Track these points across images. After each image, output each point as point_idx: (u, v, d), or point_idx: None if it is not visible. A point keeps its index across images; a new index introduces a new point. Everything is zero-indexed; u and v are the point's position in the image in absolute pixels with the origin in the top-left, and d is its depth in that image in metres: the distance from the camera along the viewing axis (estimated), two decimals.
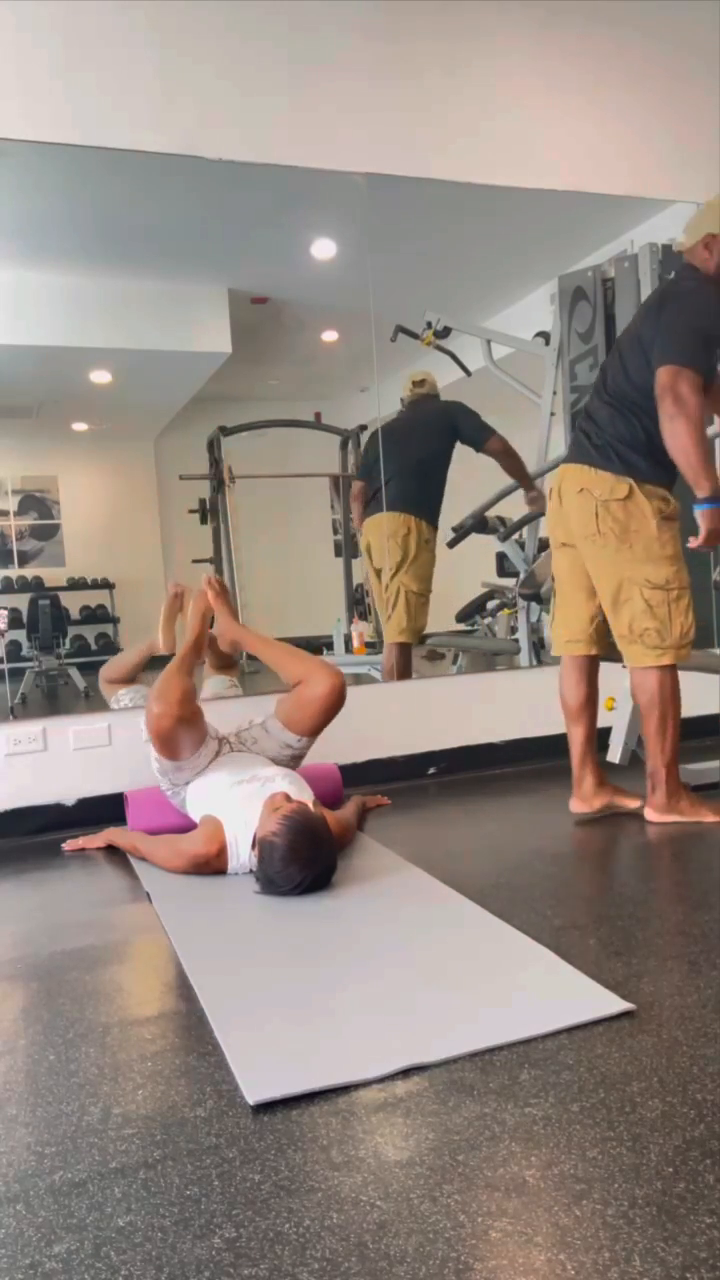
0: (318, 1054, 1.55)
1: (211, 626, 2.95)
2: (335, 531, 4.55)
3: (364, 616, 4.49)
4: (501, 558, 4.47)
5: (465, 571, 4.50)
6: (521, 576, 4.14)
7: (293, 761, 2.87)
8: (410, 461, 3.88)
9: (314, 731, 2.81)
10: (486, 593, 4.53)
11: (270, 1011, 1.72)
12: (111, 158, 3.14)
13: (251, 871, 2.41)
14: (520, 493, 4.27)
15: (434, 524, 3.87)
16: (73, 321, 3.72)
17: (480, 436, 3.87)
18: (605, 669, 3.22)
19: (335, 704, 2.75)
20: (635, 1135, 1.29)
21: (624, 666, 2.97)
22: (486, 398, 4.58)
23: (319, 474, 4.41)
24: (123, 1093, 1.49)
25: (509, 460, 3.85)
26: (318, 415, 4.39)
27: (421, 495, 3.88)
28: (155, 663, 3.45)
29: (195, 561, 4.20)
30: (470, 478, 4.26)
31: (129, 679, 3.35)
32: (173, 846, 2.57)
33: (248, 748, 2.82)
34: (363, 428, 4.28)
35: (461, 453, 4.22)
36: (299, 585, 4.48)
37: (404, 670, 3.90)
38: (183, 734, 2.62)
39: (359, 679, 4.05)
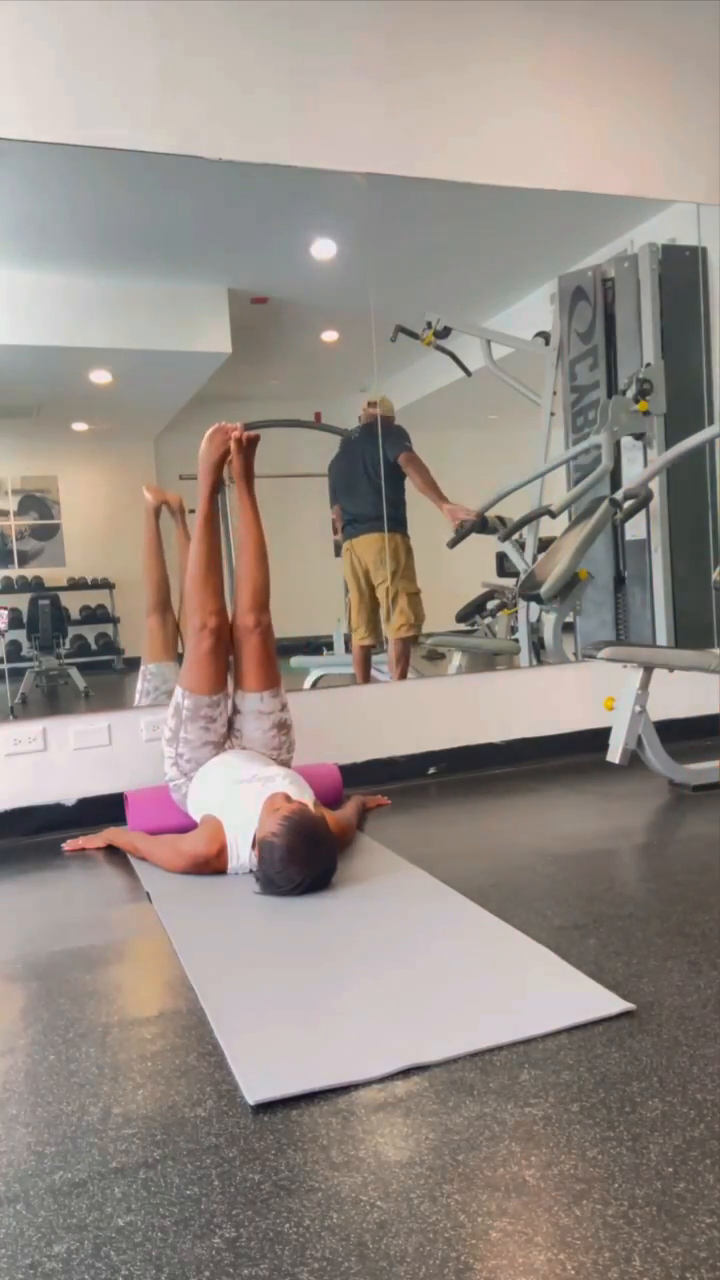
0: (318, 1054, 1.55)
1: (223, 471, 2.95)
2: (335, 531, 4.55)
3: None
4: (501, 558, 4.47)
5: (465, 571, 4.50)
6: (521, 577, 4.14)
7: (280, 733, 2.87)
8: (365, 485, 4.06)
9: (260, 680, 2.82)
10: (486, 593, 4.53)
11: (270, 1011, 1.72)
12: (112, 158, 3.13)
13: (251, 871, 2.41)
14: (520, 493, 4.27)
15: (406, 533, 4.06)
16: (73, 321, 3.72)
17: (392, 453, 4.02)
18: (605, 669, 3.22)
19: (255, 637, 2.82)
20: (635, 1135, 1.29)
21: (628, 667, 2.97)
22: (486, 398, 4.58)
23: (319, 474, 4.41)
24: (123, 1093, 1.49)
25: (416, 472, 4.01)
26: (318, 415, 4.39)
27: (381, 514, 4.04)
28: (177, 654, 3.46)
29: None
30: (471, 478, 4.27)
31: (162, 598, 3.49)
32: (173, 846, 2.58)
33: (244, 740, 2.84)
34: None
35: (461, 454, 4.22)
36: (299, 585, 4.48)
37: (409, 658, 4.05)
38: (220, 648, 2.75)
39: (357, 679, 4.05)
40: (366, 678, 4.03)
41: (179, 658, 3.29)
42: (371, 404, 4.07)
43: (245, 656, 2.84)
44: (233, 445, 2.90)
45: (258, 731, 2.84)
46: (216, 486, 2.93)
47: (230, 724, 2.86)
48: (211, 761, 2.75)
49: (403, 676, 3.99)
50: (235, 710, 2.87)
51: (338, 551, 4.57)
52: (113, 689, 3.97)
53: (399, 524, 4.03)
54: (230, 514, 4.24)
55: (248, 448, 2.93)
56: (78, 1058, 1.62)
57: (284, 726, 2.88)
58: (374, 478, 4.03)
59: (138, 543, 3.62)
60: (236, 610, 2.87)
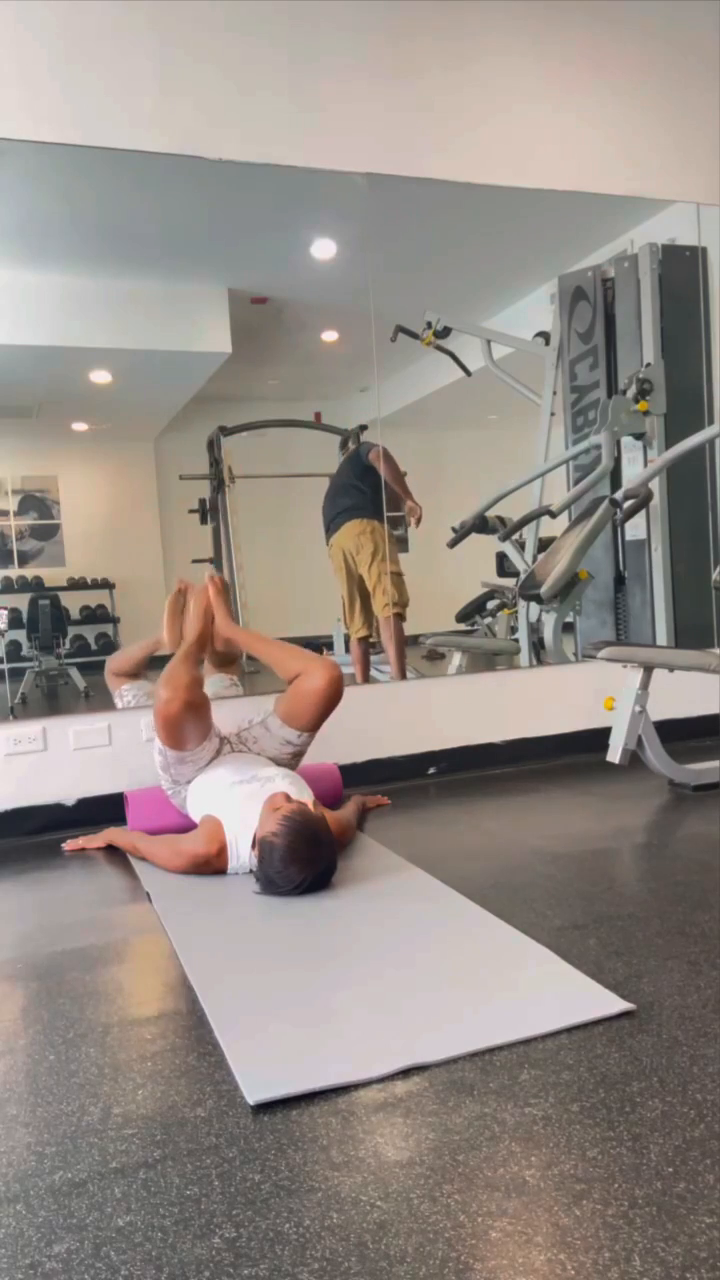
0: (318, 1054, 1.55)
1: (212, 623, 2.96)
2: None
3: None
4: (501, 558, 4.48)
5: (465, 571, 4.51)
6: (521, 577, 4.14)
7: (293, 759, 2.87)
8: (342, 486, 4.19)
9: (314, 726, 2.81)
10: (486, 593, 4.53)
11: (270, 1011, 1.72)
12: (112, 157, 3.14)
13: (251, 871, 2.41)
14: (520, 493, 4.27)
15: (383, 521, 4.11)
16: (73, 321, 3.72)
17: (364, 450, 4.16)
18: (605, 669, 3.22)
19: (333, 696, 2.75)
20: (635, 1135, 1.29)
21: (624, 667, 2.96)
22: (486, 398, 4.59)
23: (319, 474, 4.42)
24: (123, 1093, 1.49)
25: (386, 466, 4.08)
26: (318, 415, 4.39)
27: (365, 504, 4.11)
28: (158, 663, 3.45)
29: (195, 561, 4.20)
30: (471, 478, 4.27)
31: (134, 673, 3.35)
32: (173, 846, 2.57)
33: (249, 747, 2.83)
34: (363, 427, 4.28)
35: (461, 454, 4.22)
36: (299, 585, 4.48)
37: (403, 640, 4.09)
38: (189, 722, 2.63)
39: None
40: (366, 675, 4.04)
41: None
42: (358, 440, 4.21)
43: (305, 707, 2.77)
44: (210, 591, 2.90)
45: (274, 751, 2.83)
46: (206, 638, 2.91)
47: (221, 745, 2.81)
48: (208, 768, 2.74)
49: (400, 658, 4.02)
50: (264, 728, 2.85)
51: None
52: None
53: (375, 512, 4.08)
54: (230, 512, 4.26)
55: (221, 594, 2.92)
56: (78, 1058, 1.62)
57: (300, 756, 2.89)
58: (349, 478, 4.14)
59: (138, 543, 3.62)
60: (311, 684, 2.75)
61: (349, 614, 4.16)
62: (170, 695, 2.58)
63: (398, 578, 4.10)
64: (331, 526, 4.18)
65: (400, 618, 4.06)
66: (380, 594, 4.07)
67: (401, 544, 4.23)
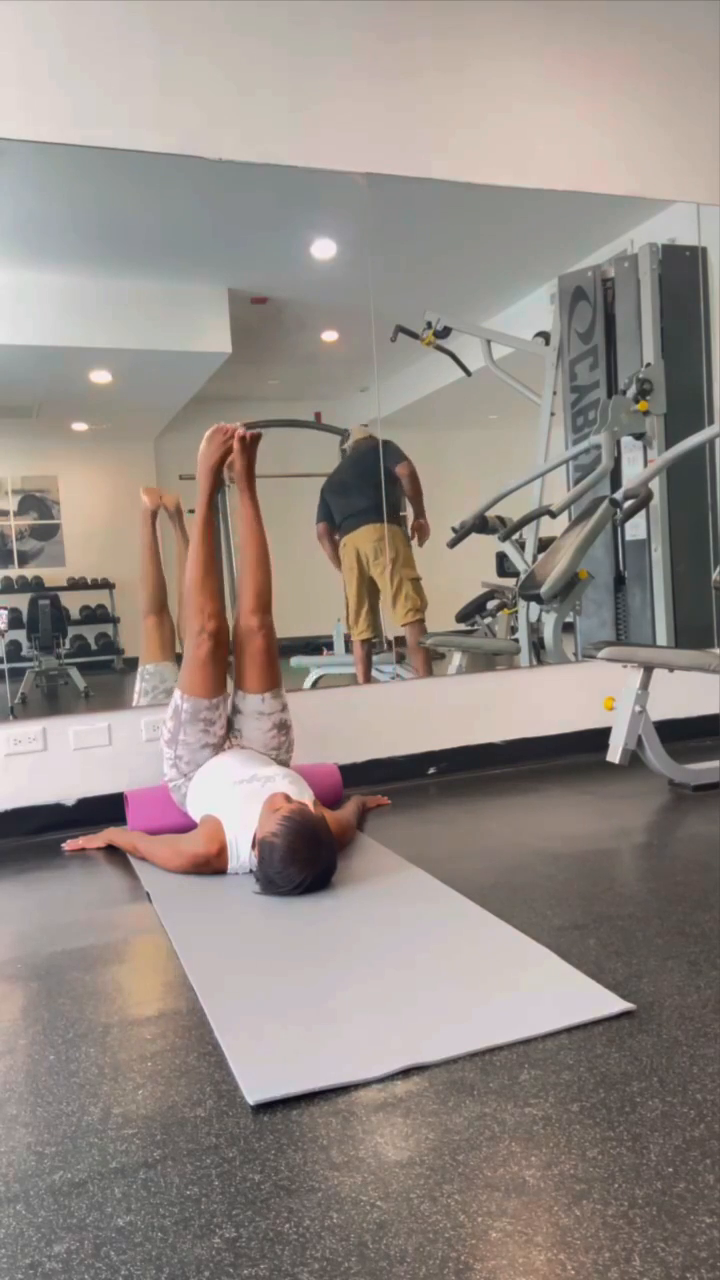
0: (318, 1054, 1.55)
1: (223, 472, 2.95)
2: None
3: None
4: (501, 558, 4.47)
5: (465, 571, 4.50)
6: (521, 577, 4.14)
7: (280, 734, 2.87)
8: (357, 485, 4.18)
9: (262, 682, 2.83)
10: (486, 593, 4.53)
11: (270, 1011, 1.72)
12: (112, 158, 3.13)
13: (251, 871, 2.42)
14: (520, 493, 4.27)
15: (401, 525, 4.18)
16: (73, 321, 3.72)
17: (391, 461, 4.15)
18: (605, 669, 3.22)
19: (258, 641, 2.82)
20: (635, 1135, 1.29)
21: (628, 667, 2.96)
22: (486, 398, 4.58)
23: (319, 474, 4.41)
24: (123, 1093, 1.49)
25: (410, 482, 4.15)
26: (318, 415, 4.39)
27: (379, 506, 4.12)
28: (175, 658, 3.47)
29: None
30: (471, 478, 4.27)
31: (160, 602, 3.49)
32: (173, 846, 2.58)
33: (244, 740, 2.84)
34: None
35: (461, 454, 4.22)
36: (299, 585, 4.48)
37: (425, 650, 4.16)
38: (216, 658, 2.74)
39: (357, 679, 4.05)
40: (368, 676, 4.04)
41: (177, 658, 3.28)
42: (365, 425, 4.16)
43: (247, 658, 2.84)
44: (235, 444, 2.89)
45: (257, 732, 2.84)
46: (215, 489, 2.93)
47: (230, 724, 2.86)
48: (211, 762, 2.75)
49: (426, 662, 4.07)
50: (235, 710, 2.87)
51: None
52: (113, 689, 3.96)
53: (394, 517, 4.12)
54: (230, 514, 4.25)
55: (250, 446, 2.92)
56: (78, 1058, 1.62)
57: (284, 727, 2.88)
58: (372, 478, 4.10)
59: (137, 543, 3.62)
60: (238, 612, 2.87)
61: (354, 615, 4.16)
62: (201, 624, 2.71)
63: (417, 583, 4.14)
64: (346, 525, 4.17)
65: (421, 623, 4.12)
66: (402, 600, 4.09)
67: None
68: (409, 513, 4.19)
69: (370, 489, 4.08)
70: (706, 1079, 1.42)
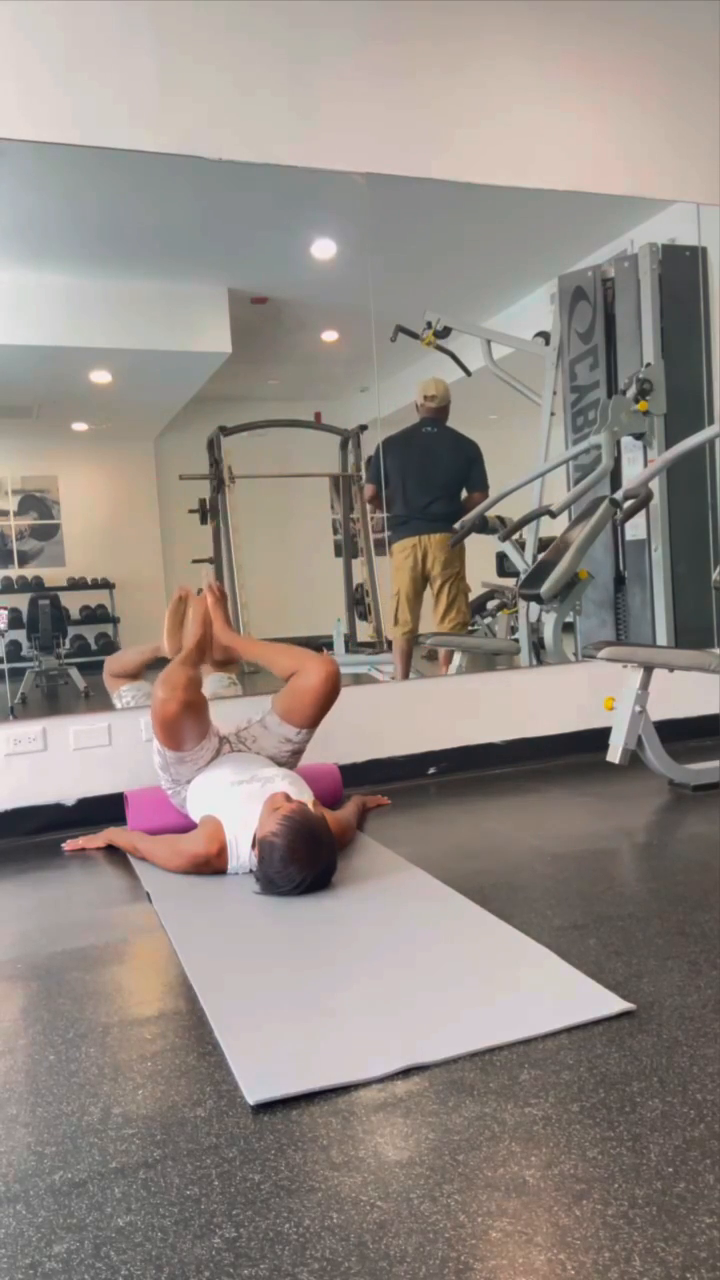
0: (318, 1054, 1.55)
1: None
2: (335, 531, 4.55)
3: (364, 617, 4.49)
4: (501, 558, 4.47)
5: (465, 571, 4.51)
6: (522, 577, 4.14)
7: (293, 757, 2.87)
8: (439, 484, 4.20)
9: (312, 722, 2.81)
10: (486, 593, 4.53)
11: (270, 1011, 1.72)
12: (112, 158, 3.14)
13: (251, 871, 2.41)
14: (521, 492, 4.27)
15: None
16: (73, 321, 3.72)
17: (478, 486, 4.23)
18: (605, 669, 3.22)
19: (330, 691, 2.76)
20: (635, 1135, 1.29)
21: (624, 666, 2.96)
22: (486, 398, 4.59)
23: (319, 474, 4.42)
24: (123, 1093, 1.49)
25: (471, 508, 4.23)
26: (318, 415, 4.39)
27: (455, 515, 4.22)
28: (157, 664, 3.45)
29: (195, 561, 4.20)
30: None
31: (133, 675, 3.36)
32: (173, 846, 2.57)
33: (248, 746, 2.83)
34: (363, 427, 4.28)
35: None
36: (299, 585, 4.48)
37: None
38: (188, 722, 2.63)
39: (358, 679, 4.05)
40: (409, 670, 4.10)
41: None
42: (430, 395, 4.12)
43: (303, 704, 2.77)
44: (210, 599, 2.90)
45: (272, 749, 2.83)
46: (205, 643, 2.91)
47: (220, 745, 2.81)
48: (208, 768, 2.74)
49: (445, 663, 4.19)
50: (262, 726, 2.85)
51: (338, 551, 4.57)
52: None
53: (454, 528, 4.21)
54: (232, 514, 4.25)
55: (220, 600, 2.93)
56: (78, 1058, 1.62)
57: (299, 754, 2.89)
58: (452, 484, 4.18)
59: (138, 543, 3.62)
60: (308, 680, 2.75)
61: (405, 610, 4.16)
62: (167, 695, 2.58)
63: (467, 595, 4.26)
64: (419, 524, 4.15)
65: (463, 626, 4.29)
66: (454, 613, 4.20)
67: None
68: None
69: (449, 494, 4.14)
70: (706, 1079, 1.42)
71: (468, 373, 4.32)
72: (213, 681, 3.28)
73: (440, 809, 3.25)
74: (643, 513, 3.96)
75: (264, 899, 2.30)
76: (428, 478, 4.15)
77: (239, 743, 2.83)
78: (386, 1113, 1.38)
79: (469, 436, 4.21)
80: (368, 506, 4.45)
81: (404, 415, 4.19)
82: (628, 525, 4.10)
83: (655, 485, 3.94)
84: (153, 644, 3.28)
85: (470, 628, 4.54)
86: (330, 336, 4.35)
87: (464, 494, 4.24)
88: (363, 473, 4.41)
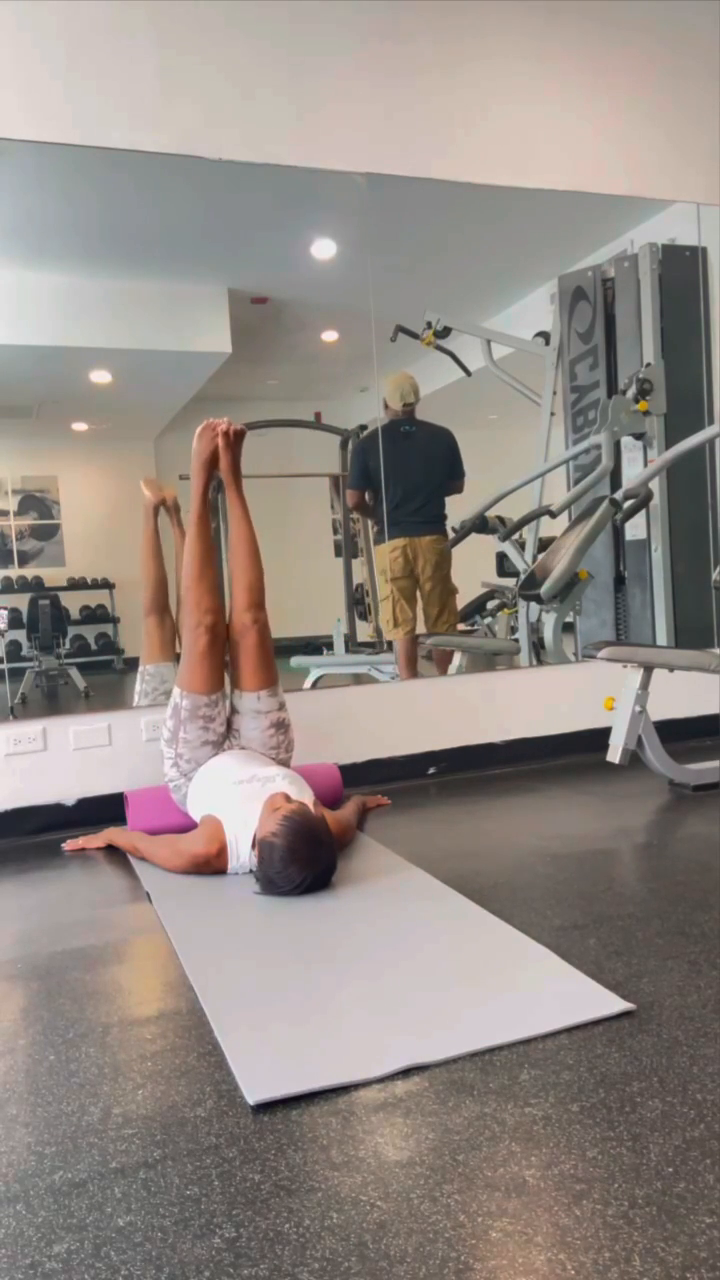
0: (318, 1054, 1.55)
1: (216, 467, 2.94)
2: (335, 531, 4.55)
3: (364, 617, 4.49)
4: (501, 558, 4.47)
5: (465, 571, 4.51)
6: (521, 577, 4.15)
7: (279, 733, 2.87)
8: (426, 485, 4.17)
9: (259, 680, 2.83)
10: (486, 593, 4.53)
11: (270, 1011, 1.72)
12: (112, 158, 3.13)
13: (251, 871, 2.41)
14: (520, 493, 4.28)
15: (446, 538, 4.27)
16: (73, 321, 3.72)
17: (457, 477, 4.22)
18: (605, 669, 3.22)
19: (251, 638, 2.82)
20: (635, 1135, 1.29)
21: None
22: (486, 398, 4.58)
23: (319, 474, 4.41)
24: (123, 1093, 1.49)
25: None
26: (318, 415, 4.39)
27: (442, 515, 4.20)
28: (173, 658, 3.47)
29: None
30: (471, 478, 4.26)
31: (160, 599, 3.48)
32: (173, 846, 2.58)
33: (242, 740, 2.84)
34: (363, 427, 4.28)
35: (462, 454, 4.22)
36: (299, 585, 4.48)
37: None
38: (213, 652, 2.76)
39: (359, 679, 4.05)
40: (415, 670, 4.09)
41: (176, 658, 3.28)
42: (408, 405, 4.13)
43: (242, 655, 2.84)
44: (220, 440, 2.89)
45: (255, 731, 2.84)
46: (209, 484, 2.93)
47: (229, 724, 2.86)
48: (211, 761, 2.75)
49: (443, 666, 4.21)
50: (233, 710, 2.87)
51: (338, 551, 4.56)
52: (113, 689, 3.97)
53: (445, 528, 4.20)
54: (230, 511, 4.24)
55: (235, 442, 2.92)
56: (78, 1058, 1.62)
57: (282, 726, 2.88)
58: (436, 480, 4.15)
59: (137, 543, 3.62)
60: (233, 609, 2.87)
61: (405, 609, 4.16)
62: (199, 618, 2.73)
63: (455, 597, 4.24)
64: (409, 526, 4.14)
65: (453, 629, 4.28)
66: (446, 615, 4.20)
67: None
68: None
69: (435, 495, 4.13)
70: (706, 1079, 1.42)
71: (468, 373, 4.32)
72: (168, 671, 3.34)
73: (440, 809, 3.25)
74: (643, 513, 3.96)
75: (264, 899, 2.30)
76: (414, 479, 4.14)
77: (235, 736, 2.85)
78: (386, 1113, 1.38)
79: (441, 425, 4.20)
80: (356, 512, 4.45)
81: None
82: (628, 525, 4.10)
83: (655, 485, 3.94)
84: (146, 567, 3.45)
85: (470, 627, 4.54)
86: (330, 336, 4.35)
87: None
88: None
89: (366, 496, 4.17)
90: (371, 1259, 1.09)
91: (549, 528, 4.18)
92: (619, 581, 4.22)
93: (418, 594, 4.17)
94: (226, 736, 2.84)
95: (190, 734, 2.75)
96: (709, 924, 2.03)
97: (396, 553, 4.12)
